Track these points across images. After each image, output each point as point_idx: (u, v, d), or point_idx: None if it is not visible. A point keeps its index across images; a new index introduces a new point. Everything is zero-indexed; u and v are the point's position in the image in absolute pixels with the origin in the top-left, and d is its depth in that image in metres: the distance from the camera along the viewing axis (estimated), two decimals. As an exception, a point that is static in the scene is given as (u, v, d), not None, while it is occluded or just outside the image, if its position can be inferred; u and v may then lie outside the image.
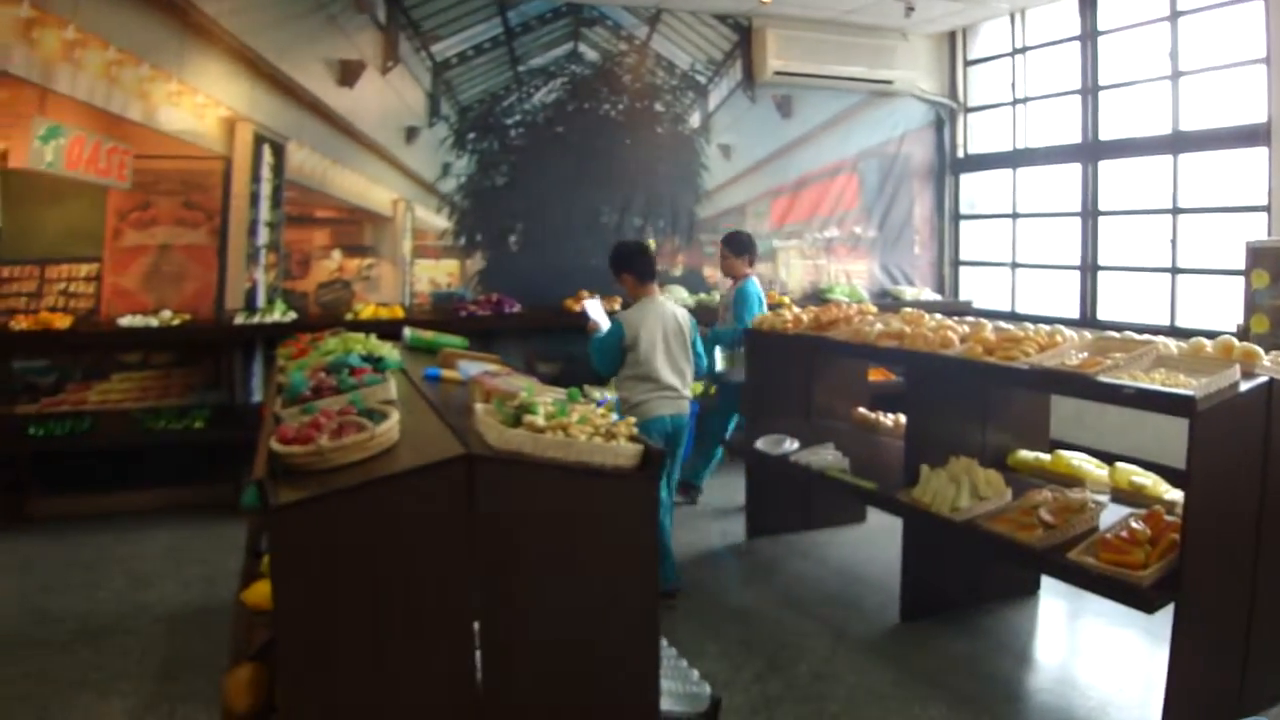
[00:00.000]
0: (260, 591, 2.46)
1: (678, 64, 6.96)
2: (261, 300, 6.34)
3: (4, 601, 4.70)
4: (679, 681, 2.50)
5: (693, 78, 6.99)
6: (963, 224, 7.86)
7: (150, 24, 6.06)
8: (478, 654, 2.00)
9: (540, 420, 2.12)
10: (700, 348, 4.60)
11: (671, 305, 4.53)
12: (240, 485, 6.04)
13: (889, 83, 7.26)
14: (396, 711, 1.96)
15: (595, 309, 4.61)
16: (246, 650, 2.54)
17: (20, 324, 5.82)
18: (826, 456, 4.64)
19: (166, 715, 3.52)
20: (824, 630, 4.08)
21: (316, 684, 1.93)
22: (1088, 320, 6.60)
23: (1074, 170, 6.76)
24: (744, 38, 7.03)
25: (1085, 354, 3.56)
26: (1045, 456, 4.18)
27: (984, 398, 4.20)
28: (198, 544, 5.51)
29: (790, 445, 4.92)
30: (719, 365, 5.99)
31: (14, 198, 5.95)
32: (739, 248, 5.76)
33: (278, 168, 6.33)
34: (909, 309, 4.78)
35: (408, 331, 4.30)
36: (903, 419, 4.91)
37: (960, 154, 7.76)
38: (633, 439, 2.16)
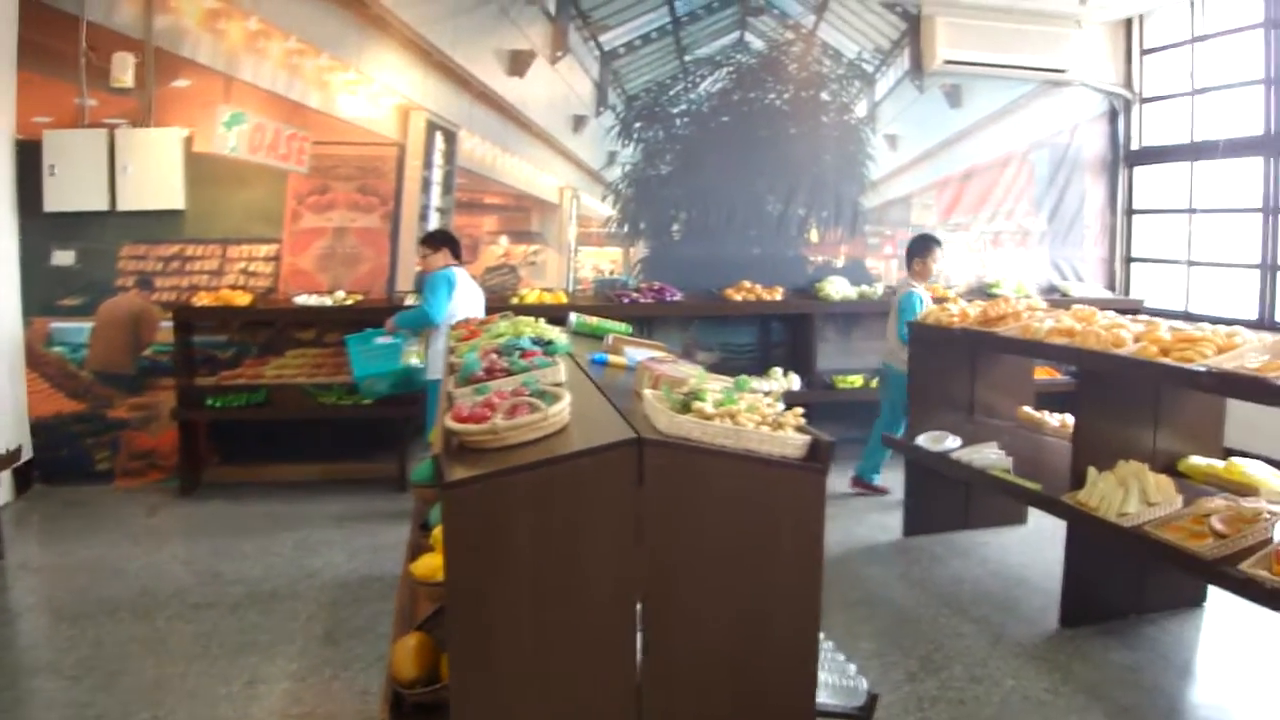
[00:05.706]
0: (428, 564, 2.51)
1: (845, 53, 6.83)
2: (431, 283, 6.48)
3: (179, 563, 4.92)
4: (836, 674, 2.45)
5: (859, 66, 6.85)
6: (1136, 219, 7.51)
7: (329, 16, 6.28)
8: (639, 634, 2.04)
9: (709, 408, 2.14)
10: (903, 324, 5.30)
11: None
12: (403, 461, 6.20)
13: (1062, 71, 6.98)
14: (558, 685, 2.00)
15: None
16: (413, 620, 2.60)
17: (203, 300, 6.11)
18: (989, 455, 4.54)
19: (328, 680, 3.60)
20: (981, 632, 3.99)
21: (483, 655, 1.97)
22: (1266, 322, 6.22)
23: (1255, 164, 6.36)
24: (913, 26, 6.85)
25: (1266, 357, 3.38)
26: (1219, 463, 3.98)
27: (1156, 400, 4.05)
28: (362, 515, 5.68)
29: (952, 442, 4.83)
30: (413, 360, 5.52)
31: (199, 181, 6.25)
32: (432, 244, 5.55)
33: (449, 155, 6.48)
34: (1079, 306, 4.59)
35: (573, 316, 4.31)
36: (1069, 419, 4.78)
37: (1135, 146, 7.43)
38: (800, 429, 2.15)
